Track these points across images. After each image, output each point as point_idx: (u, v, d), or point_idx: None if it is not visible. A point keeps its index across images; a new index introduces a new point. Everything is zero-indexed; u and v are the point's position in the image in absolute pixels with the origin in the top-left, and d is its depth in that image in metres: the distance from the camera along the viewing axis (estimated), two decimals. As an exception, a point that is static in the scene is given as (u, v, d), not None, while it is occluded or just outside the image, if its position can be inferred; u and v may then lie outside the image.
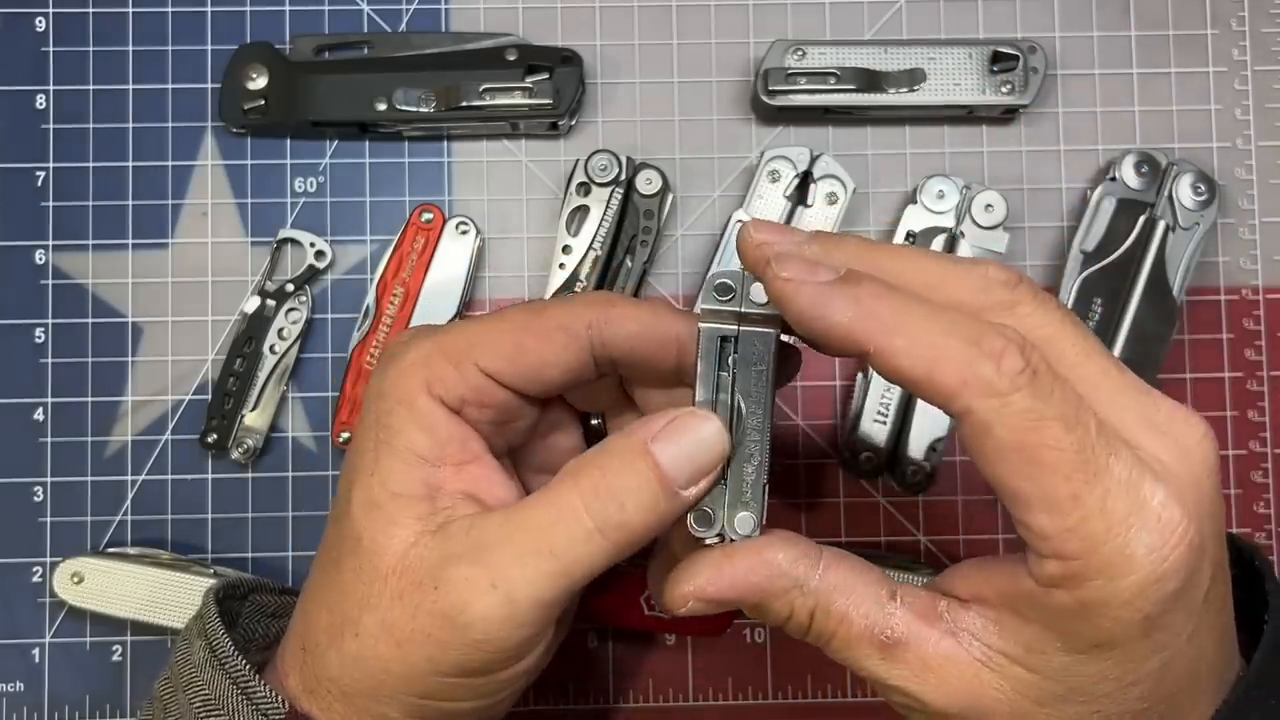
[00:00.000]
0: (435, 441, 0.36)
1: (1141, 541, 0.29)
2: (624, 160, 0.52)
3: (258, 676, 0.36)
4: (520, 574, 0.33)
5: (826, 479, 0.53)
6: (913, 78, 0.52)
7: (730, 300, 0.34)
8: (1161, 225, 0.51)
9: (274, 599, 0.44)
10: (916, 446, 0.51)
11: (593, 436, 0.42)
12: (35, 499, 0.52)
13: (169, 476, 0.53)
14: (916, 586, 0.34)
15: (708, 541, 0.35)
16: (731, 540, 0.35)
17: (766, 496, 0.35)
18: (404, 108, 0.52)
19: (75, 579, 0.50)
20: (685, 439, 0.34)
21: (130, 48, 0.54)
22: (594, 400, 0.41)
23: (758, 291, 0.34)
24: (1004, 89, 0.52)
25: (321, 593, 0.37)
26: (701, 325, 0.35)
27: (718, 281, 0.34)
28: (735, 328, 0.34)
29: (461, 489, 0.36)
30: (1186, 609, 0.31)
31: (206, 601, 0.40)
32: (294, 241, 0.53)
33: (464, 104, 0.52)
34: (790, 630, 0.35)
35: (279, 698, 0.35)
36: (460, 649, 0.34)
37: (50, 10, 0.54)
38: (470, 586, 0.33)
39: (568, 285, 0.52)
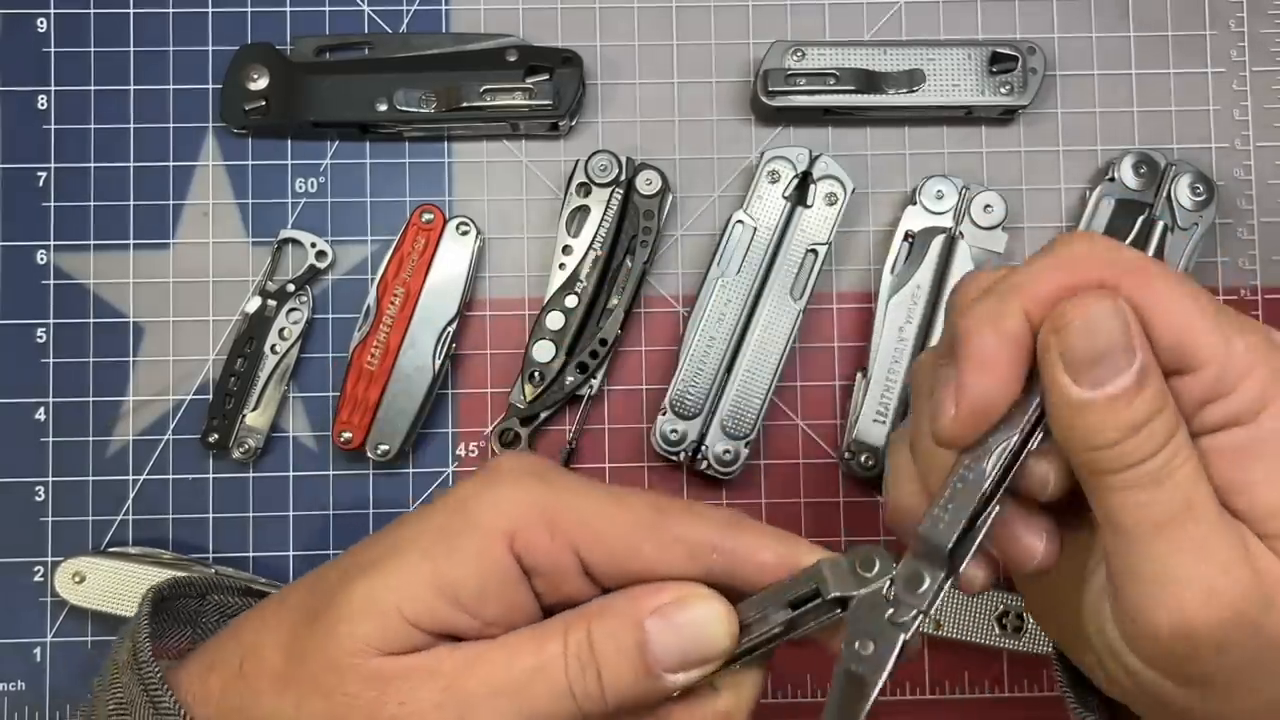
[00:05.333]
0: (480, 597, 0.32)
1: None
2: (624, 161, 0.52)
3: (166, 687, 0.34)
4: (490, 716, 0.31)
5: (826, 479, 0.53)
6: (912, 78, 0.53)
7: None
8: (1160, 226, 0.52)
9: (236, 600, 0.42)
10: (916, 446, 0.51)
11: None
12: (37, 498, 0.52)
13: (170, 476, 0.53)
14: None
15: None
16: None
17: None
18: (405, 108, 0.52)
19: (76, 578, 0.50)
20: (685, 624, 0.31)
21: (131, 48, 0.54)
22: None
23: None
24: (1003, 90, 0.53)
25: (288, 634, 0.34)
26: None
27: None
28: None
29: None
30: None
31: (143, 600, 0.37)
32: (295, 242, 0.53)
33: (464, 104, 0.52)
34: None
35: (183, 713, 0.34)
36: None
37: (52, 11, 0.54)
38: (437, 714, 0.31)
39: (568, 285, 0.52)
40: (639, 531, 0.32)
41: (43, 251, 0.53)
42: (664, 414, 0.51)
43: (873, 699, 0.30)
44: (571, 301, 0.52)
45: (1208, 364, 0.30)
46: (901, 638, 0.30)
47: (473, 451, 0.53)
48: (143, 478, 0.53)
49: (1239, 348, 0.30)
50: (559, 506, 0.32)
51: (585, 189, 0.52)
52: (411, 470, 0.53)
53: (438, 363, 0.52)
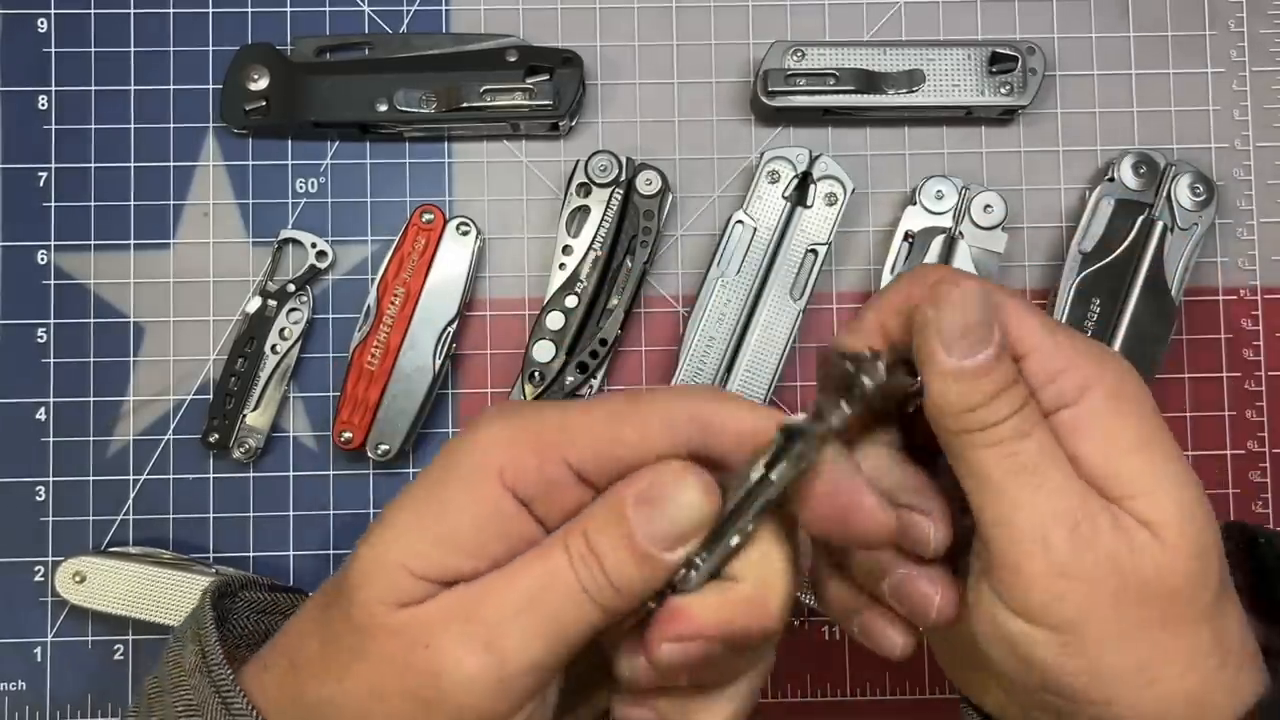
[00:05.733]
0: (480, 539, 0.33)
1: None
2: (624, 161, 0.52)
3: (239, 688, 0.35)
4: (515, 633, 0.32)
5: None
6: (912, 79, 0.53)
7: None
8: (1160, 226, 0.52)
9: (264, 595, 0.43)
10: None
11: None
12: (37, 498, 0.52)
13: (170, 476, 0.53)
14: None
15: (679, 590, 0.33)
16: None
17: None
18: (405, 108, 0.52)
19: (77, 578, 0.50)
20: (664, 502, 0.32)
21: (132, 49, 0.54)
22: None
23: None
24: (1003, 90, 0.53)
25: (320, 621, 0.35)
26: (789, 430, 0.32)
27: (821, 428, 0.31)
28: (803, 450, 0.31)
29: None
30: None
31: (203, 604, 0.39)
32: (295, 242, 0.53)
33: (465, 105, 0.52)
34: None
35: (254, 712, 0.35)
36: (443, 712, 0.32)
37: (52, 11, 0.54)
38: (464, 645, 0.32)
39: (568, 285, 0.52)
40: (616, 419, 0.33)
41: (43, 251, 0.53)
42: (664, 414, 0.51)
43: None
44: (571, 301, 0.52)
45: (1034, 350, 0.35)
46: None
47: (473, 451, 0.53)
48: (143, 478, 0.53)
49: (1061, 339, 0.35)
50: (538, 423, 0.33)
51: (585, 189, 0.52)
52: (411, 470, 0.53)
53: (438, 363, 0.52)
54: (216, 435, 0.52)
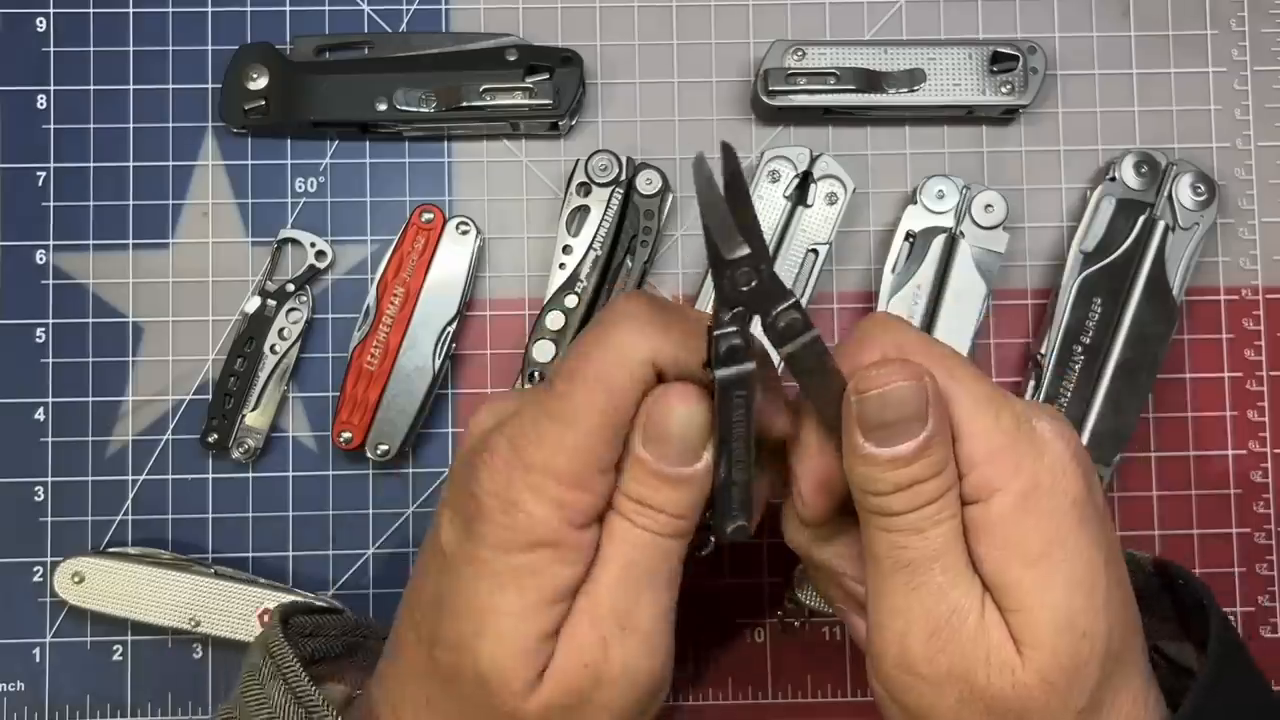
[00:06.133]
0: (573, 582, 0.35)
1: None
2: (624, 160, 0.52)
3: (333, 710, 0.36)
4: (633, 603, 0.35)
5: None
6: (913, 78, 0.52)
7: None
8: (1161, 225, 0.51)
9: (309, 620, 0.43)
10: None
11: None
12: (36, 499, 0.52)
13: (169, 476, 0.53)
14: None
15: (704, 554, 0.38)
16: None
17: (754, 503, 0.37)
18: (404, 108, 0.52)
19: (76, 579, 0.50)
20: (663, 429, 0.35)
21: (131, 48, 0.54)
22: None
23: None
24: (1004, 89, 0.52)
25: (441, 702, 0.36)
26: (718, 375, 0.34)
27: (727, 346, 0.33)
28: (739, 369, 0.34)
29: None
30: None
31: (278, 639, 0.39)
32: (295, 241, 0.53)
33: (464, 104, 0.52)
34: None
35: None
36: (619, 706, 0.35)
37: (51, 10, 0.54)
38: (605, 644, 0.35)
39: (568, 285, 0.52)
40: (592, 413, 0.34)
41: (42, 251, 0.53)
42: (664, 414, 0.51)
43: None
44: (571, 301, 0.52)
45: (962, 435, 0.34)
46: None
47: (473, 451, 0.53)
48: (142, 478, 0.53)
49: (990, 425, 0.34)
50: (540, 459, 0.34)
51: (585, 189, 0.52)
52: (411, 470, 0.53)
53: (438, 363, 0.52)
54: (216, 435, 0.52)
